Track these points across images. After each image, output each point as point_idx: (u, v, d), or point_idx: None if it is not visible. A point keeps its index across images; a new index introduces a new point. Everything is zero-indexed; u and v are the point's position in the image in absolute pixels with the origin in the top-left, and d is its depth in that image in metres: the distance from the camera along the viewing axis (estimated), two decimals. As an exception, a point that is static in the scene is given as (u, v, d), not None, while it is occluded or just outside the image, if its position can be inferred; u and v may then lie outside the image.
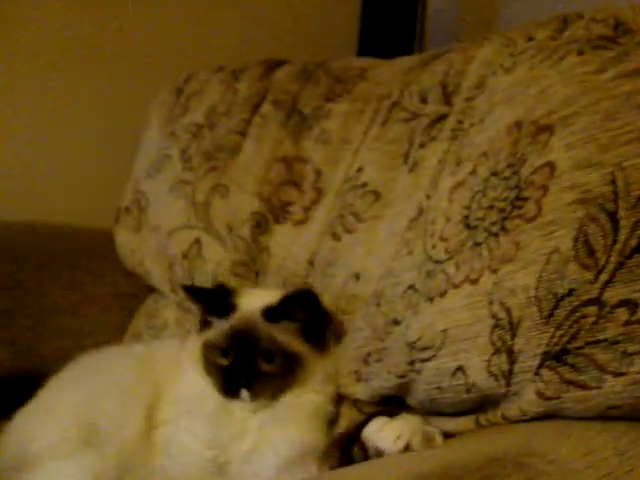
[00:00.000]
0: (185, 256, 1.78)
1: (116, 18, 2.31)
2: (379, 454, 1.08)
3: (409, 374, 1.23)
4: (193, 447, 1.34)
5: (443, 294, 1.18)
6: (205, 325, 1.42)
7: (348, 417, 1.41)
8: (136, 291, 2.04)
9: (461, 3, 2.32)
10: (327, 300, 1.49)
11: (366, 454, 1.11)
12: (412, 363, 1.22)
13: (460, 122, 1.31)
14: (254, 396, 1.31)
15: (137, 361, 1.54)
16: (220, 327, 1.37)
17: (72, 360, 1.59)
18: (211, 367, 1.36)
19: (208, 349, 1.37)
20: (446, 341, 1.16)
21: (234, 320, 1.36)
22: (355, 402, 1.41)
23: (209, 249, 1.75)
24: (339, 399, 1.44)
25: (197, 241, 1.77)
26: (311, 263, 1.58)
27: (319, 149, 1.66)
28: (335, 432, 1.36)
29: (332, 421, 1.42)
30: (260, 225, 1.68)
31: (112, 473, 1.33)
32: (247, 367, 1.31)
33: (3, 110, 2.27)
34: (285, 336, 1.34)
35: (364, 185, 1.49)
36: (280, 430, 1.33)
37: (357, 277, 1.43)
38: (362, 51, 2.26)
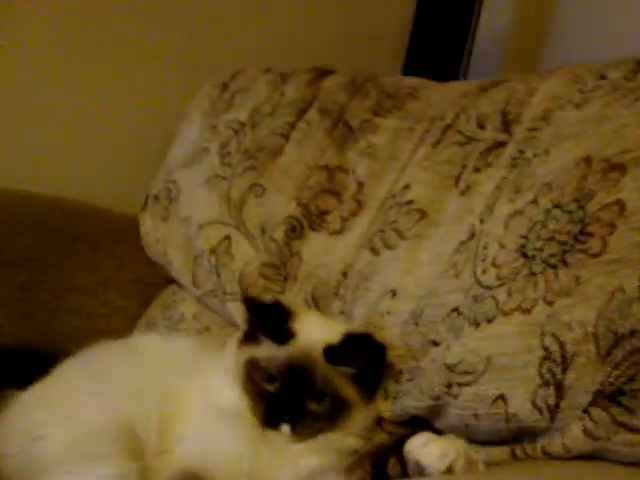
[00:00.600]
0: (213, 251, 1.75)
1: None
2: (420, 471, 1.05)
3: (444, 397, 1.21)
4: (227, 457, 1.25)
5: (491, 320, 1.16)
6: (250, 339, 1.32)
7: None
8: (155, 280, 2.01)
9: (509, 36, 2.31)
10: (359, 314, 1.46)
11: (404, 470, 1.07)
12: (449, 386, 1.20)
13: (521, 151, 1.30)
14: (294, 433, 1.23)
15: (153, 358, 1.47)
16: (273, 351, 1.27)
17: (84, 347, 1.52)
18: (253, 388, 1.27)
19: (254, 368, 1.28)
20: (489, 368, 1.14)
21: (292, 350, 1.26)
22: (379, 420, 1.38)
23: (239, 247, 1.72)
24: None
25: (227, 238, 1.75)
26: (344, 274, 1.55)
27: (363, 162, 1.64)
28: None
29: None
30: (294, 230, 1.66)
31: None
32: (294, 402, 1.23)
33: (39, 87, 2.23)
34: (340, 380, 1.25)
35: (410, 203, 1.47)
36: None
37: (394, 294, 1.41)
38: (407, 71, 2.23)
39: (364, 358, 1.25)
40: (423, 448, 1.04)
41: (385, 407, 1.35)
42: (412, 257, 1.42)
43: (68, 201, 2.05)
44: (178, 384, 1.37)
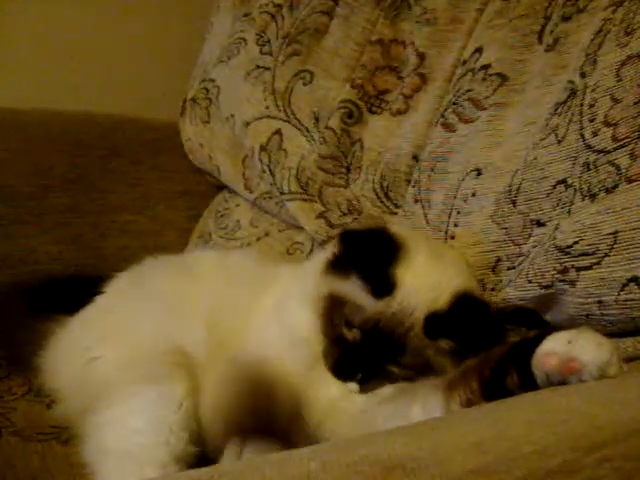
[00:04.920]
0: (264, 149, 1.53)
1: None
2: (551, 381, 0.81)
3: (558, 284, 0.99)
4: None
5: (611, 190, 0.93)
6: (339, 268, 1.06)
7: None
8: (204, 189, 1.81)
9: None
10: (437, 200, 1.23)
11: (527, 382, 0.84)
12: (564, 271, 0.97)
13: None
14: (362, 390, 1.04)
15: (207, 276, 1.28)
16: (364, 300, 1.02)
17: (135, 263, 1.37)
18: (330, 329, 1.06)
19: (336, 307, 1.05)
20: (616, 246, 0.91)
21: (386, 308, 1.01)
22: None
23: (292, 141, 1.50)
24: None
25: (277, 132, 1.52)
26: (415, 158, 1.32)
27: (422, 30, 1.39)
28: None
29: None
30: (352, 115, 1.42)
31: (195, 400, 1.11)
32: (372, 362, 1.02)
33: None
34: (435, 353, 1.01)
35: (485, 68, 1.23)
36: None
37: (478, 172, 1.18)
38: None
39: (471, 332, 0.99)
40: (569, 346, 0.80)
41: (482, 299, 1.13)
42: (496, 128, 1.18)
43: (102, 116, 1.84)
44: (237, 301, 1.20)
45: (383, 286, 1.01)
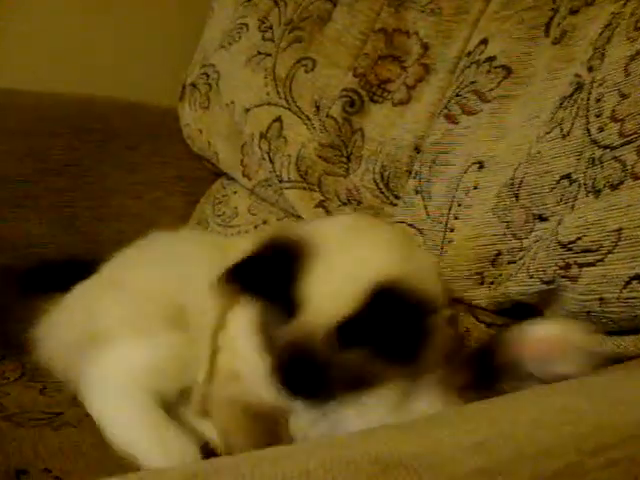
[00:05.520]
0: (263, 136, 1.51)
1: None
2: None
3: (559, 280, 0.97)
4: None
5: (616, 186, 0.91)
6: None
7: (464, 324, 1.16)
8: (202, 175, 1.78)
9: None
10: (439, 192, 1.22)
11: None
12: (566, 267, 0.96)
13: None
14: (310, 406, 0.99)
15: (215, 249, 1.28)
16: (276, 326, 0.97)
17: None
18: (268, 352, 1.00)
19: (264, 333, 1.01)
20: (620, 243, 0.90)
21: (297, 332, 0.94)
22: (471, 308, 1.15)
23: (292, 129, 1.47)
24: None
25: (278, 120, 1.50)
26: (417, 149, 1.30)
27: (426, 20, 1.37)
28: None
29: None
30: (354, 104, 1.40)
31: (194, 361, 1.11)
32: (306, 383, 0.95)
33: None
34: (361, 362, 0.93)
35: (490, 59, 1.21)
36: None
37: (480, 165, 1.16)
38: None
39: (388, 336, 0.90)
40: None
41: (480, 294, 1.13)
42: (500, 121, 1.16)
43: (101, 99, 1.81)
44: None
45: (288, 309, 0.94)
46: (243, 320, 1.05)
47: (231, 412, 1.07)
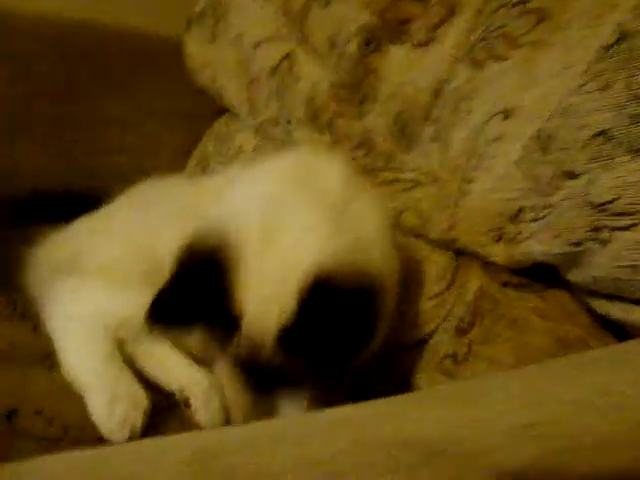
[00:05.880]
0: (273, 72, 1.42)
1: None
2: None
3: (588, 243, 0.91)
4: None
5: (659, 146, 0.84)
6: None
7: (477, 282, 1.10)
8: (205, 111, 1.70)
9: None
10: (457, 139, 1.15)
11: None
12: (597, 229, 0.90)
13: None
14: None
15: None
16: (221, 342, 0.94)
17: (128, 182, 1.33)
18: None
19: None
20: (660, 207, 0.83)
21: (241, 346, 0.89)
22: (486, 265, 1.09)
23: (304, 66, 1.39)
24: (461, 261, 1.12)
25: (288, 56, 1.42)
26: (436, 94, 1.22)
27: (451, -42, 1.26)
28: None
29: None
30: (370, 43, 1.31)
31: None
32: (263, 390, 0.95)
33: None
34: (306, 366, 0.88)
35: (522, 2, 1.11)
36: None
37: (506, 115, 1.09)
38: None
39: (338, 320, 0.82)
40: None
41: (497, 251, 1.06)
42: (530, 69, 1.08)
43: (101, 23, 1.71)
44: None
45: (226, 326, 0.89)
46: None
47: None
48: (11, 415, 1.03)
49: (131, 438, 0.98)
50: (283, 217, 0.88)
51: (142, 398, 1.02)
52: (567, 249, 0.94)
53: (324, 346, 0.82)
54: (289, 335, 0.85)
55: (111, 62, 1.66)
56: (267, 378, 0.92)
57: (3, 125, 1.50)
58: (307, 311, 0.83)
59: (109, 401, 1.00)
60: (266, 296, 0.85)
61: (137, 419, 1.00)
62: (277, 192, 0.93)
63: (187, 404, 1.09)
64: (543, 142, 1.01)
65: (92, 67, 1.62)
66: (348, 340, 0.84)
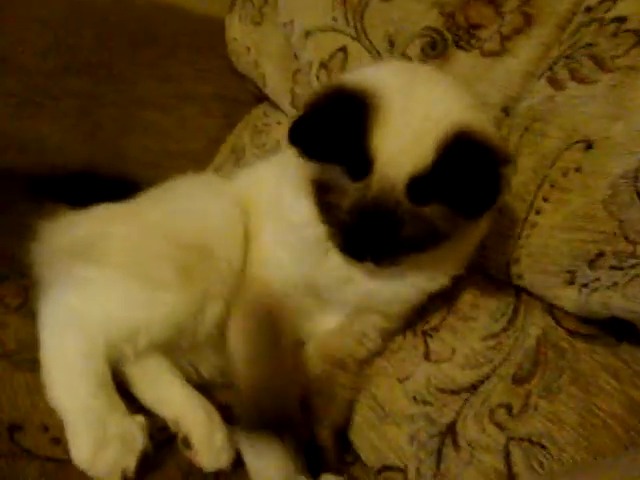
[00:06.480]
0: (324, 66, 1.30)
1: None
2: None
3: (684, 305, 0.79)
4: (289, 266, 1.05)
5: None
6: (312, 151, 0.91)
7: (540, 326, 0.99)
8: (243, 97, 1.58)
9: None
10: (527, 166, 1.03)
11: None
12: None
13: None
14: (379, 267, 0.96)
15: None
16: (345, 184, 0.90)
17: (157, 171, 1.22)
18: (326, 213, 0.95)
19: (324, 192, 0.93)
20: None
21: (366, 190, 0.89)
22: (551, 308, 0.98)
23: (358, 63, 1.26)
24: (524, 300, 1.01)
25: (342, 50, 1.30)
26: (506, 110, 1.10)
27: (536, -41, 1.14)
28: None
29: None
30: (435, 46, 1.20)
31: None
32: (375, 240, 0.91)
33: None
34: (434, 216, 0.89)
35: (619, 20, 0.99)
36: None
37: (589, 145, 0.97)
38: None
39: (464, 189, 0.85)
40: None
41: (566, 294, 0.95)
42: (622, 97, 0.97)
43: (141, -2, 1.57)
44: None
45: (359, 167, 0.89)
46: (296, 188, 0.99)
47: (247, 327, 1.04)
48: (14, 431, 0.92)
49: None
50: (424, 81, 0.94)
51: (136, 438, 0.91)
52: (659, 309, 0.83)
53: (462, 193, 0.85)
54: (421, 183, 0.87)
55: (151, 39, 1.55)
56: (385, 232, 0.90)
57: (31, 97, 1.38)
58: (444, 161, 0.85)
59: (97, 444, 0.89)
60: (403, 146, 0.87)
61: (130, 463, 0.90)
62: (410, 68, 1.02)
63: (187, 443, 0.97)
64: (636, 181, 0.89)
65: (130, 43, 1.51)
66: (485, 189, 0.86)
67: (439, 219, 0.89)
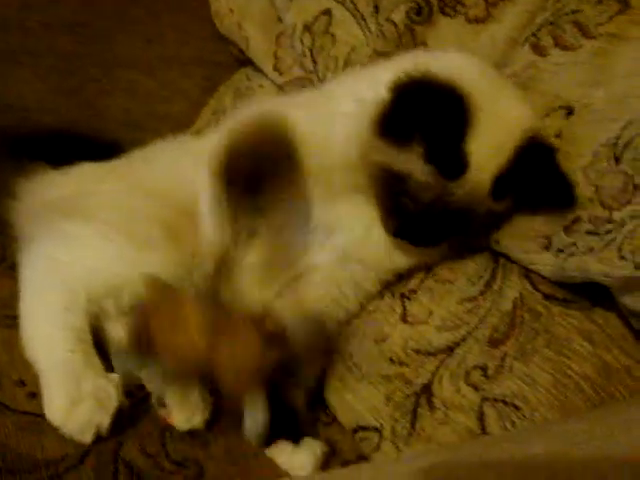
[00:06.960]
0: (307, 29, 1.29)
1: None
2: None
3: (660, 269, 0.80)
4: None
5: None
6: (394, 133, 0.97)
7: (517, 290, 0.99)
8: (225, 60, 1.56)
9: None
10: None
11: None
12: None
13: None
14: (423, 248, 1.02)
15: None
16: (432, 179, 0.95)
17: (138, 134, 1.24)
18: (385, 197, 1.00)
19: (392, 180, 0.97)
20: None
21: (457, 190, 0.95)
22: (528, 272, 0.98)
23: (343, 27, 1.27)
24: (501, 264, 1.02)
25: (327, 13, 1.28)
26: (489, 76, 1.09)
27: None
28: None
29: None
30: (420, 12, 1.18)
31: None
32: (435, 230, 0.99)
33: None
34: (504, 210, 0.98)
35: (603, -13, 0.98)
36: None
37: (569, 111, 0.97)
38: None
39: (536, 185, 0.95)
40: None
41: (542, 261, 0.95)
42: (604, 64, 0.96)
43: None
44: None
45: (455, 168, 0.95)
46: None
47: None
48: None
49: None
50: (503, 83, 1.02)
51: (111, 396, 0.90)
52: (633, 273, 0.83)
53: (537, 188, 0.94)
54: (500, 182, 0.95)
55: (134, 1, 1.52)
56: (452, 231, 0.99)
57: (8, 52, 1.35)
58: (520, 162, 0.94)
59: (71, 400, 0.88)
60: (492, 151, 0.94)
61: (103, 421, 0.89)
62: (478, 63, 1.04)
63: (161, 402, 0.97)
64: (619, 150, 0.89)
65: (114, 5, 1.48)
66: (555, 184, 0.93)
67: (505, 211, 0.97)
